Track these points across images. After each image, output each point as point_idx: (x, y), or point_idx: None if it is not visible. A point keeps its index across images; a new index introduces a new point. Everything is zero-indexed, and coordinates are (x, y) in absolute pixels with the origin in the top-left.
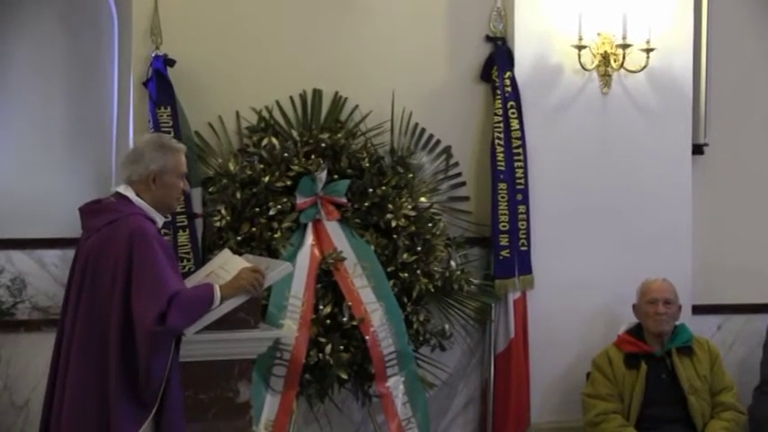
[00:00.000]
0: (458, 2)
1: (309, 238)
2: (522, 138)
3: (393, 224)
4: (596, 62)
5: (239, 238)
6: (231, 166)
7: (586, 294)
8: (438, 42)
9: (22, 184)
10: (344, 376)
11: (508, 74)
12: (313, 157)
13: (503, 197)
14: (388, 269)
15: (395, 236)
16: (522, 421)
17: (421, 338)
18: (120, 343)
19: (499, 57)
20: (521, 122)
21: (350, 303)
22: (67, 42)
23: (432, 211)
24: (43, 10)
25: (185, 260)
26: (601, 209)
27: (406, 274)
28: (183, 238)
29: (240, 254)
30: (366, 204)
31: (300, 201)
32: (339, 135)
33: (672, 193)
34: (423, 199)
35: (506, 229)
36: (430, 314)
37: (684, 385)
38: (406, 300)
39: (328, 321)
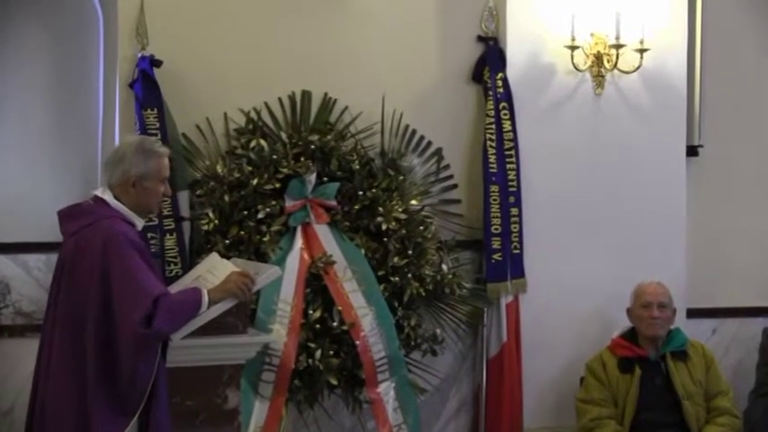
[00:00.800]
0: (449, 1)
1: (299, 242)
2: (515, 139)
3: (384, 227)
4: (589, 62)
5: (227, 241)
6: (219, 169)
7: (580, 298)
8: (429, 42)
9: (6, 188)
10: (334, 382)
11: (500, 74)
12: (302, 159)
13: (495, 199)
14: (379, 273)
15: (385, 239)
16: (515, 427)
17: (412, 343)
18: (98, 349)
19: (491, 57)
20: (513, 124)
21: (340, 308)
22: (51, 43)
23: (423, 213)
24: (26, 10)
25: (172, 264)
26: (594, 211)
27: (397, 278)
28: (170, 241)
29: (228, 258)
30: (356, 207)
31: (289, 204)
32: (329, 137)
33: (666, 196)
34: (414, 202)
35: (498, 231)
36: (421, 318)
37: (679, 390)
38: (396, 304)
39: (318, 326)
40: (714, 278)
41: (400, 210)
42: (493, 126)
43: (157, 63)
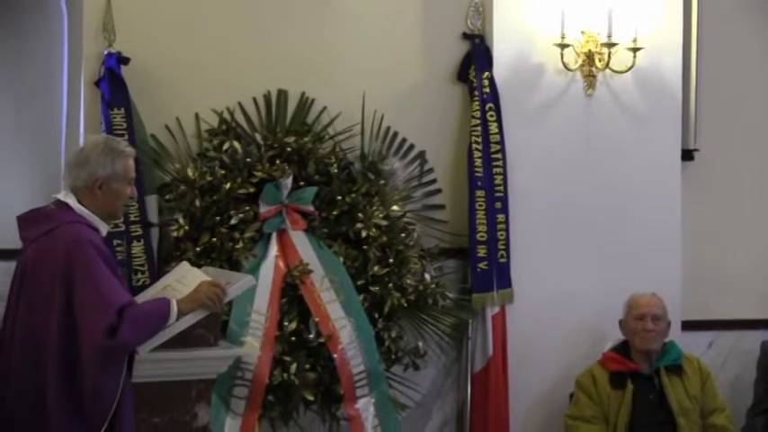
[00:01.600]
0: None
1: (273, 250)
2: (501, 142)
3: (363, 234)
4: (580, 62)
5: (198, 249)
6: (190, 172)
7: (569, 309)
8: (411, 40)
9: None
10: (310, 397)
11: (486, 74)
12: (278, 162)
13: (480, 205)
14: (358, 282)
15: (365, 247)
16: None
17: (393, 357)
18: (60, 362)
19: (477, 55)
20: (500, 126)
21: (317, 319)
22: (13, 39)
23: (405, 220)
24: None
25: (139, 273)
26: (585, 218)
27: (377, 288)
28: (137, 248)
29: (199, 266)
30: (334, 213)
31: (264, 209)
32: (306, 139)
33: (660, 202)
34: (395, 207)
35: (484, 239)
36: (402, 331)
37: (673, 406)
38: (376, 315)
39: (293, 338)
40: (710, 289)
41: (381, 216)
42: (479, 128)
43: (125, 60)
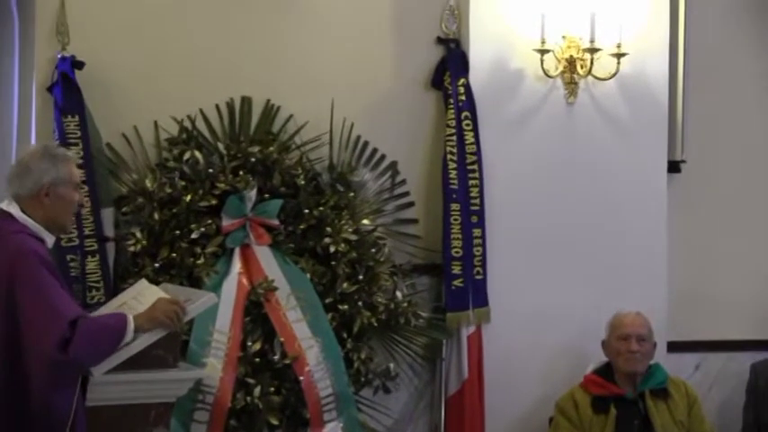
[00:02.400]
0: None
1: (237, 266)
2: (478, 152)
3: (332, 249)
4: (561, 68)
5: (157, 264)
6: (148, 184)
7: (549, 329)
8: (383, 44)
9: None
10: (275, 422)
11: (462, 80)
12: (241, 173)
13: (456, 219)
14: (326, 300)
15: (333, 263)
16: None
17: (362, 379)
18: (5, 382)
19: (452, 61)
20: (476, 135)
21: (282, 339)
22: None
23: (375, 234)
24: None
25: (94, 290)
26: (566, 233)
27: (346, 306)
28: (92, 264)
29: (158, 283)
30: (301, 227)
31: (227, 223)
32: (271, 149)
33: (645, 216)
34: (365, 221)
35: (459, 255)
36: (373, 351)
37: None
38: (345, 335)
39: (257, 360)
40: (698, 308)
41: (350, 230)
42: (454, 137)
43: (79, 65)
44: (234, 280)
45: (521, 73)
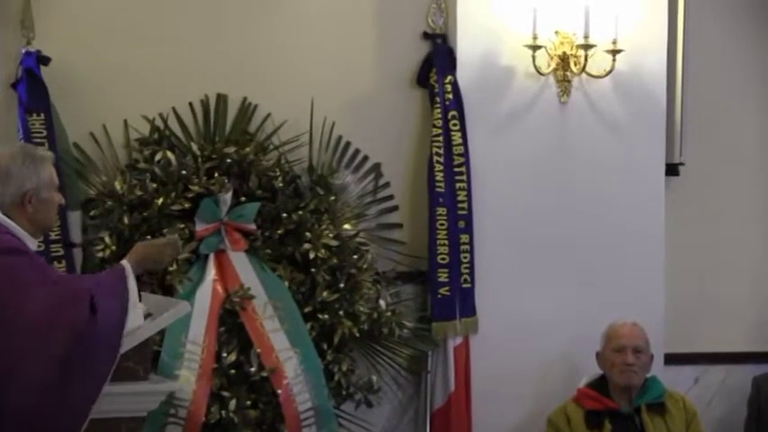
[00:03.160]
0: None
1: (211, 273)
2: (466, 154)
3: (311, 256)
4: (553, 65)
5: None
6: (117, 186)
7: (541, 340)
8: (366, 40)
9: None
10: None
11: (449, 78)
12: (216, 175)
13: (442, 224)
14: (305, 309)
15: (313, 270)
16: None
17: (344, 392)
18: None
19: (438, 57)
20: (464, 136)
21: (259, 350)
22: None
23: (357, 240)
24: None
25: None
26: (558, 239)
27: (327, 316)
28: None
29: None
30: (279, 232)
31: (201, 227)
32: (247, 149)
33: (642, 221)
34: (347, 226)
35: (446, 262)
36: (354, 363)
37: None
38: (325, 346)
39: (233, 372)
40: (697, 318)
41: (331, 235)
42: (440, 138)
43: (45, 60)
44: (208, 288)
45: (511, 70)
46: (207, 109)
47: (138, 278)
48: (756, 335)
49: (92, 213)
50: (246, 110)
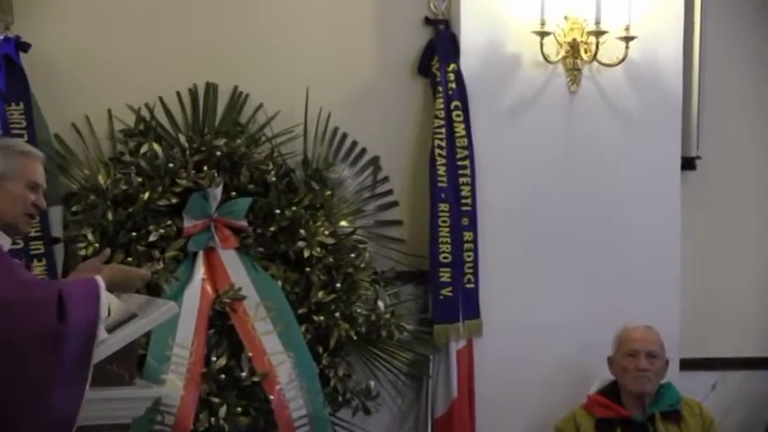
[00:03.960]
0: None
1: (200, 272)
2: (470, 147)
3: (306, 254)
4: (563, 53)
5: None
6: (101, 179)
7: (549, 344)
8: (364, 26)
9: None
10: None
11: (452, 66)
12: (205, 168)
13: (444, 221)
14: (300, 311)
15: (308, 269)
16: None
17: (340, 399)
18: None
19: (441, 44)
20: (467, 127)
21: (250, 354)
22: None
23: (355, 237)
24: None
25: None
26: (567, 237)
27: (322, 318)
28: (38, 269)
29: (111, 290)
30: (272, 229)
31: (189, 224)
32: (238, 141)
33: (656, 218)
34: (343, 223)
35: (448, 261)
36: (351, 368)
37: None
38: (321, 350)
39: (223, 376)
40: (714, 322)
41: (327, 233)
42: (443, 130)
43: (24, 46)
44: (196, 288)
45: (517, 58)
46: (195, 99)
47: None
48: None
49: (74, 209)
50: (237, 100)
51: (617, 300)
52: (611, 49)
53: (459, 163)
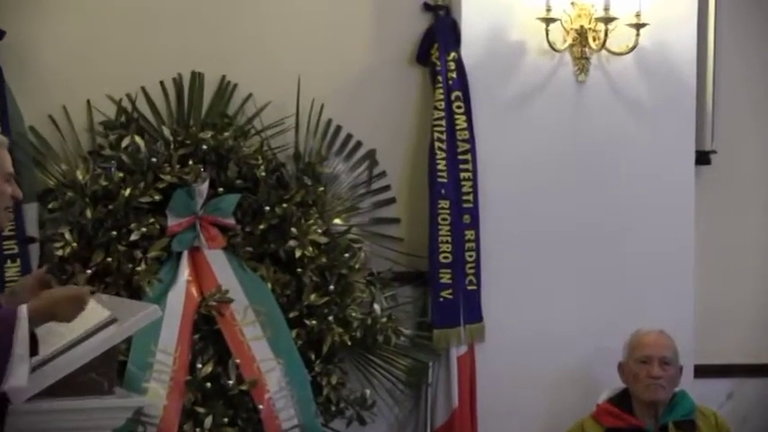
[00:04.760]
0: None
1: (184, 273)
2: (471, 140)
3: (297, 254)
4: (570, 40)
5: (89, 271)
6: (79, 175)
7: (556, 350)
8: (359, 11)
9: None
10: None
11: (453, 54)
12: (191, 163)
13: (444, 219)
14: (291, 315)
15: (299, 270)
16: None
17: (333, 408)
18: None
19: (441, 31)
20: (469, 120)
21: (238, 360)
22: None
23: (349, 236)
24: None
25: None
26: (574, 236)
27: (315, 322)
28: (12, 270)
29: (91, 293)
30: (261, 227)
31: (173, 222)
32: (226, 134)
33: (669, 216)
34: (337, 221)
35: (449, 261)
36: (346, 376)
37: None
38: (313, 356)
39: (208, 385)
40: (730, 326)
41: (319, 231)
42: (443, 122)
43: None
44: (181, 290)
45: (522, 46)
46: (180, 89)
47: (101, 278)
48: None
49: (50, 206)
50: (225, 90)
51: (628, 303)
52: (620, 36)
53: (461, 157)
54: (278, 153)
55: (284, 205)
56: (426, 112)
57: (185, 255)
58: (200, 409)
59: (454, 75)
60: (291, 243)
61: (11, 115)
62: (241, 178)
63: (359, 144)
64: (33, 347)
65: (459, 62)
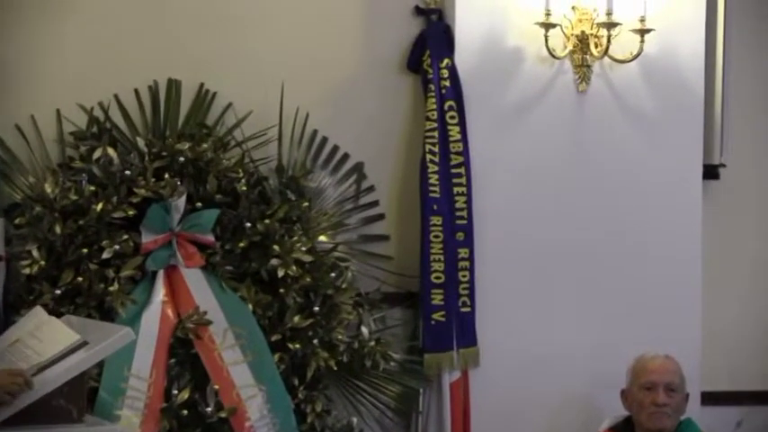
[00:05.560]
0: None
1: (160, 293)
2: (465, 152)
3: (280, 273)
4: (570, 47)
5: (58, 291)
6: (48, 188)
7: (554, 376)
8: (347, 15)
9: None
10: None
11: (446, 61)
12: (167, 176)
13: (437, 236)
14: (273, 338)
15: (282, 290)
16: None
17: None
18: None
19: (433, 37)
20: (463, 130)
21: (216, 386)
22: None
23: (336, 255)
24: None
25: None
26: (575, 254)
27: (298, 346)
28: None
29: (59, 314)
30: (242, 245)
31: (148, 239)
32: (204, 146)
33: (675, 233)
34: (323, 238)
35: (441, 281)
36: (331, 403)
37: None
38: (297, 382)
39: (185, 412)
40: (739, 351)
41: (304, 249)
42: (435, 133)
43: None
44: (156, 311)
45: (519, 53)
46: (156, 97)
47: (71, 298)
48: None
49: (17, 221)
50: (203, 98)
51: (631, 326)
52: (624, 42)
53: (454, 171)
54: (260, 166)
55: (266, 221)
56: (418, 122)
57: (161, 274)
58: None
59: (447, 83)
60: (274, 262)
61: None
62: (220, 192)
63: (346, 156)
64: None
65: (452, 69)
